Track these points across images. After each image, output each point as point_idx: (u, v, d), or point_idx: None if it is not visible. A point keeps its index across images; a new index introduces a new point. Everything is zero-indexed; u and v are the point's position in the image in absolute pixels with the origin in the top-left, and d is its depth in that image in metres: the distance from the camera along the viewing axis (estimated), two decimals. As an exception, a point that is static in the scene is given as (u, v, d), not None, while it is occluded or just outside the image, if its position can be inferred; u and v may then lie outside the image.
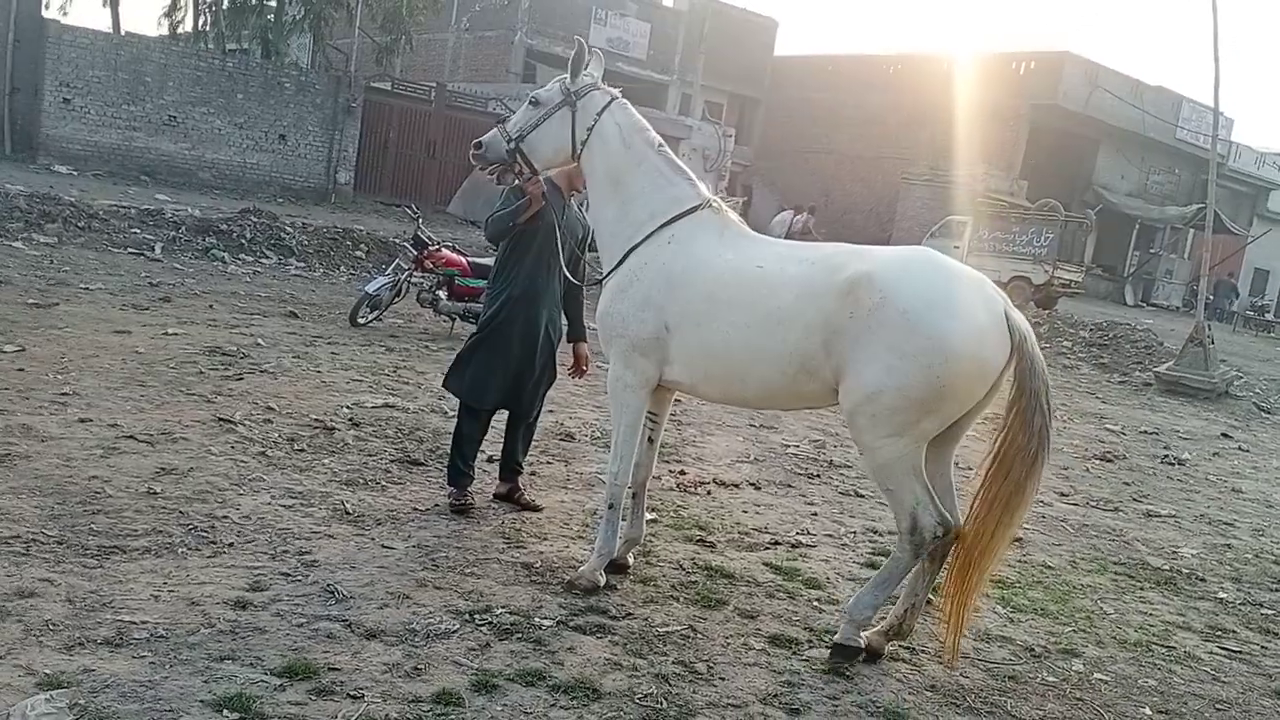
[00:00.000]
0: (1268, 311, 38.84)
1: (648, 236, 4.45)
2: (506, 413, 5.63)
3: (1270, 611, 5.62)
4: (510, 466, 5.69)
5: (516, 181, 5.04)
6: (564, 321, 5.62)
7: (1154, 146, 37.82)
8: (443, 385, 5.71)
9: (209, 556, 4.32)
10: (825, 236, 26.29)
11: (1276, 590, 6.06)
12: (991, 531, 3.95)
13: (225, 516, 4.78)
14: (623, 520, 4.72)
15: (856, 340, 3.86)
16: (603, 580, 4.53)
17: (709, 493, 6.41)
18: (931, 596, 4.43)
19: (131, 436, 5.69)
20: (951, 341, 3.76)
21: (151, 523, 4.56)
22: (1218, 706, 4.28)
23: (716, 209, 4.50)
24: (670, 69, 35.22)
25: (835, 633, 4.22)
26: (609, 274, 4.59)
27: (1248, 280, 42.23)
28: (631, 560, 4.85)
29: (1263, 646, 5.06)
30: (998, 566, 4.20)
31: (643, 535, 4.94)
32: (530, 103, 4.80)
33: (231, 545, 4.47)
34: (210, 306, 10.24)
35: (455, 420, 5.63)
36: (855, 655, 4.09)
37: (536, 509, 5.57)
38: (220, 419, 6.31)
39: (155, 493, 4.92)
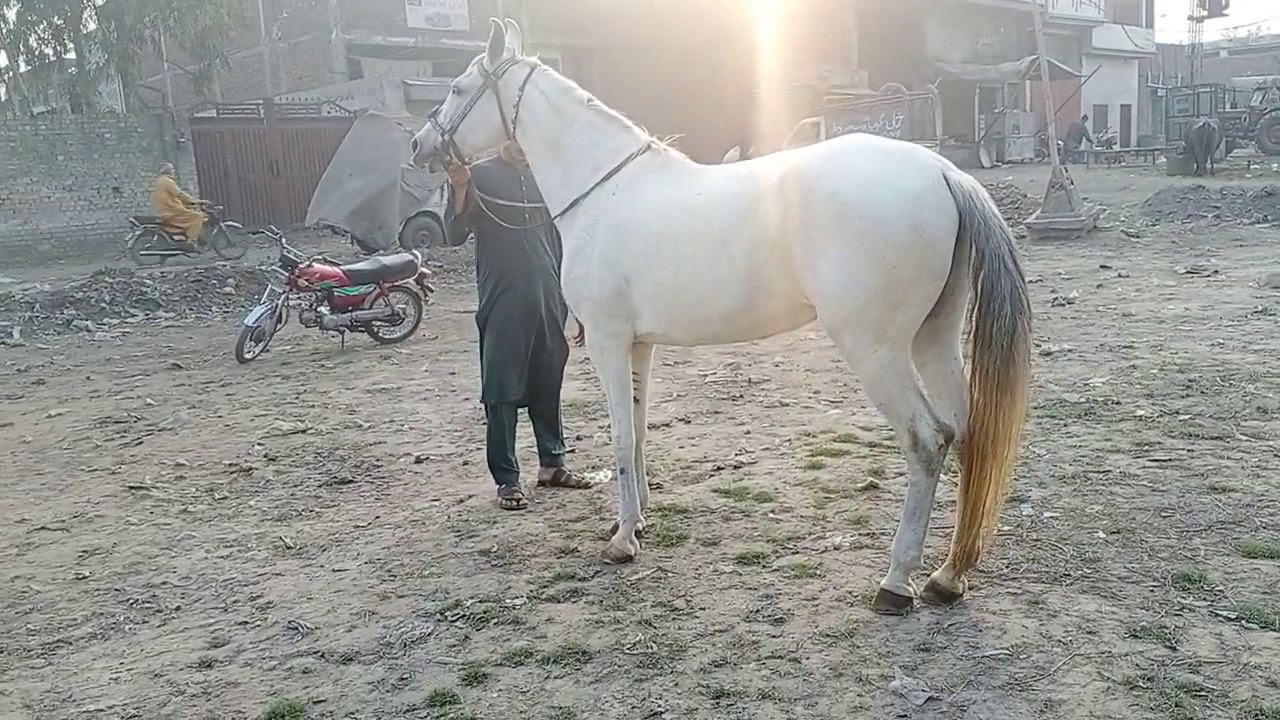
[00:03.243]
0: (1114, 143, 40.52)
1: (591, 190, 4.37)
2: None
3: (1186, 417, 5.92)
4: (549, 454, 5.64)
5: (447, 172, 4.95)
6: None
7: (977, 10, 38.90)
8: (483, 401, 5.58)
9: (159, 626, 4.15)
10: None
11: (1187, 396, 6.39)
12: (995, 417, 3.59)
13: (164, 582, 4.60)
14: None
15: (799, 241, 3.65)
16: (633, 549, 4.45)
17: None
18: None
19: (43, 528, 5.41)
20: (885, 215, 3.48)
21: (90, 607, 4.36)
22: (1162, 514, 4.50)
23: (657, 151, 4.40)
24: (496, 35, 34.62)
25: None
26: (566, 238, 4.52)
27: (1089, 116, 43.93)
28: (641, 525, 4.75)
29: (1189, 450, 5.34)
30: (1012, 459, 3.74)
31: (647, 498, 4.93)
32: (454, 92, 4.71)
33: (178, 609, 4.31)
34: (88, 378, 9.77)
35: (486, 424, 5.57)
36: (904, 604, 3.75)
37: (586, 486, 5.54)
38: (131, 487, 6.06)
39: (84, 577, 4.70)
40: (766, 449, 6.01)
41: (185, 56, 27.41)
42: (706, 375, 8.15)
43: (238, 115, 26.72)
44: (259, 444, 6.90)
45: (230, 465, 6.42)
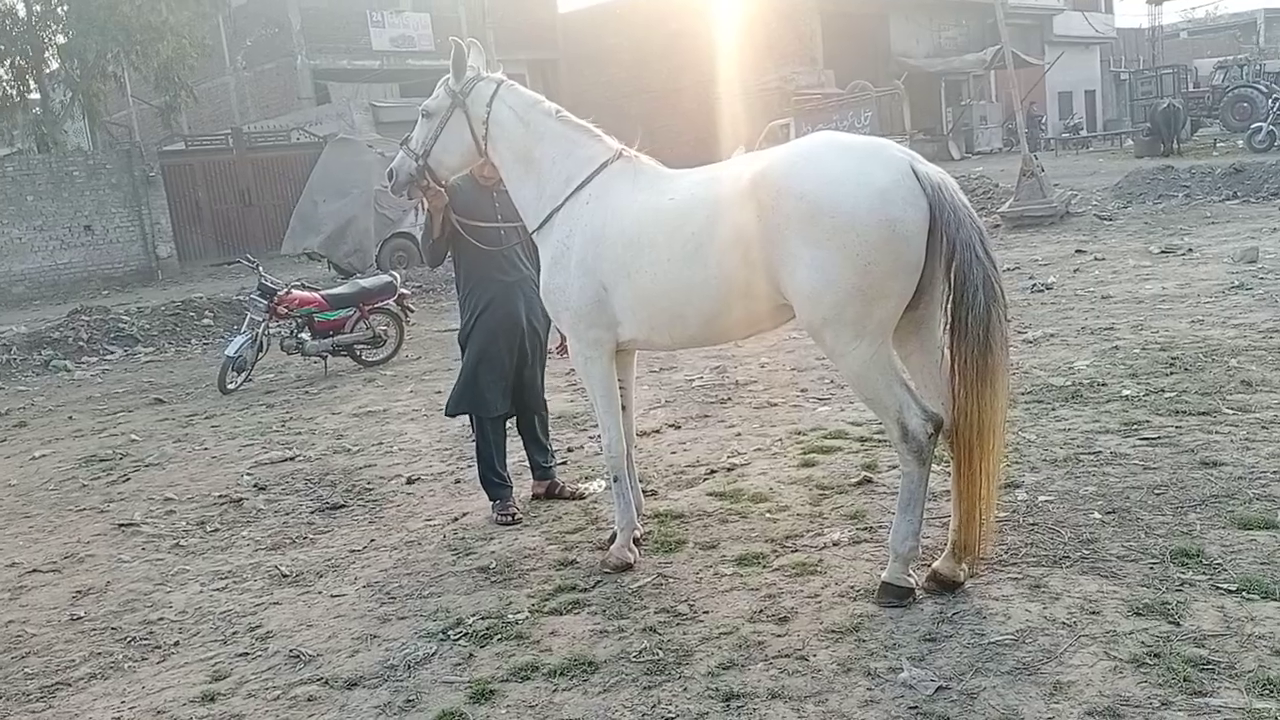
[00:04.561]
0: (1081, 129, 40.87)
1: (565, 201, 4.37)
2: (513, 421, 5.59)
3: (1172, 394, 5.96)
4: (540, 467, 5.64)
5: (424, 197, 4.94)
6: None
7: (938, 5, 39.20)
8: (448, 414, 5.67)
9: (158, 662, 4.11)
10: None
11: (1171, 373, 6.43)
12: (977, 407, 3.58)
13: (160, 618, 4.55)
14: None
15: (772, 243, 3.66)
16: (632, 557, 4.44)
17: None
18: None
19: (35, 570, 5.35)
20: (856, 212, 3.48)
21: (87, 648, 4.30)
22: (1156, 491, 4.52)
23: (628, 158, 4.40)
24: (462, 53, 34.64)
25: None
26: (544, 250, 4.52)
27: (1054, 104, 44.31)
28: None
29: (1177, 427, 5.37)
30: (1000, 447, 3.74)
31: (642, 505, 4.91)
32: (423, 115, 4.70)
33: (177, 644, 4.26)
34: (70, 418, 9.68)
35: (474, 441, 5.54)
36: (906, 595, 3.74)
37: (580, 497, 5.54)
38: (121, 525, 6.00)
39: (79, 617, 4.64)
40: (758, 450, 6.01)
41: (150, 90, 27.28)
42: (693, 379, 8.15)
43: (206, 146, 26.63)
44: (248, 474, 6.85)
45: (220, 497, 6.37)
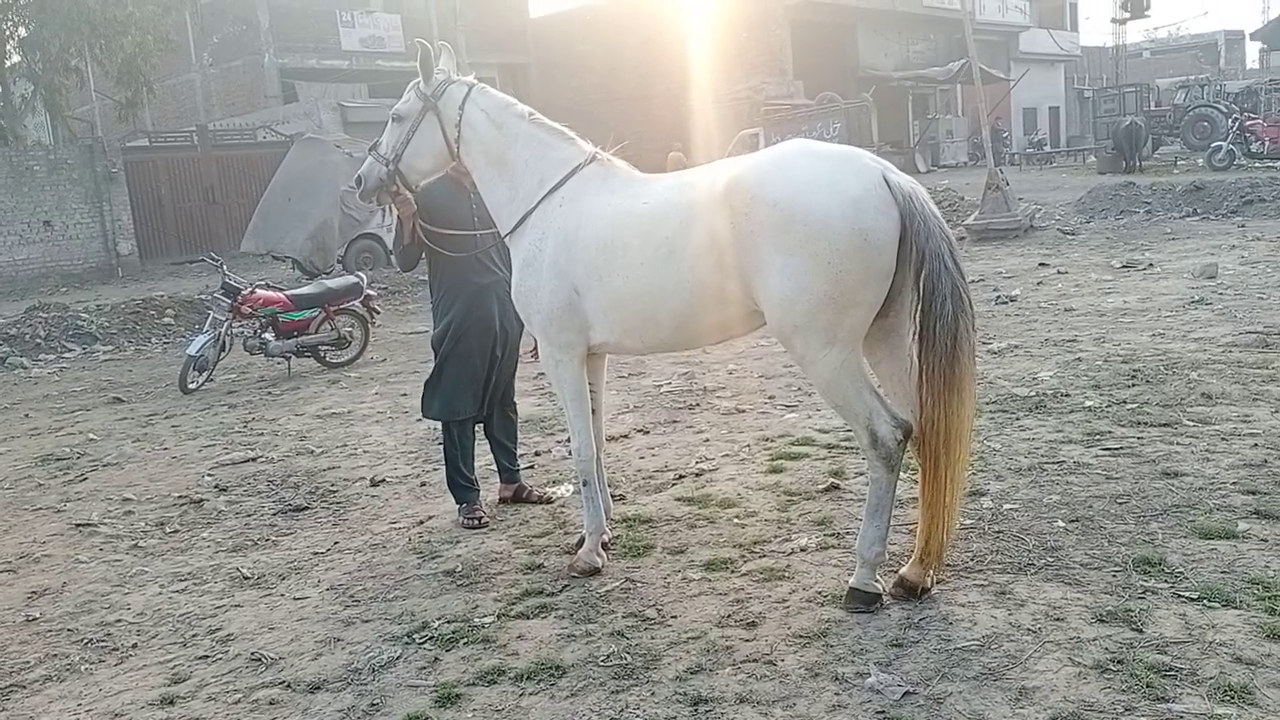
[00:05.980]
0: (1044, 144, 41.44)
1: (538, 203, 4.35)
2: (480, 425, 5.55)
3: (1134, 405, 6.04)
4: (507, 470, 5.60)
5: (392, 203, 4.90)
6: None
7: (906, 19, 39.61)
8: (423, 415, 5.62)
9: (115, 665, 4.03)
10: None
11: (1132, 385, 6.52)
12: (944, 416, 3.60)
13: (118, 620, 4.47)
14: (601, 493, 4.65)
15: (745, 250, 3.67)
16: (600, 561, 4.41)
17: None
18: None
19: (-13, 570, 5.24)
20: (829, 220, 3.50)
21: (42, 649, 4.21)
22: (1118, 500, 4.58)
23: (602, 161, 4.39)
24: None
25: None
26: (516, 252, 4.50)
27: (1019, 120, 44.90)
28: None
29: (1139, 437, 5.45)
30: (966, 456, 3.77)
31: (610, 509, 4.88)
32: (393, 120, 4.66)
33: (135, 646, 4.18)
34: (26, 416, 9.50)
35: (441, 443, 5.51)
36: (874, 601, 3.76)
37: (548, 501, 5.50)
38: (78, 525, 5.88)
39: (34, 618, 4.54)
40: (726, 455, 6.02)
41: (111, 85, 26.90)
42: (662, 385, 8.15)
43: (171, 144, 26.30)
44: (209, 475, 6.75)
45: (180, 498, 6.27)
